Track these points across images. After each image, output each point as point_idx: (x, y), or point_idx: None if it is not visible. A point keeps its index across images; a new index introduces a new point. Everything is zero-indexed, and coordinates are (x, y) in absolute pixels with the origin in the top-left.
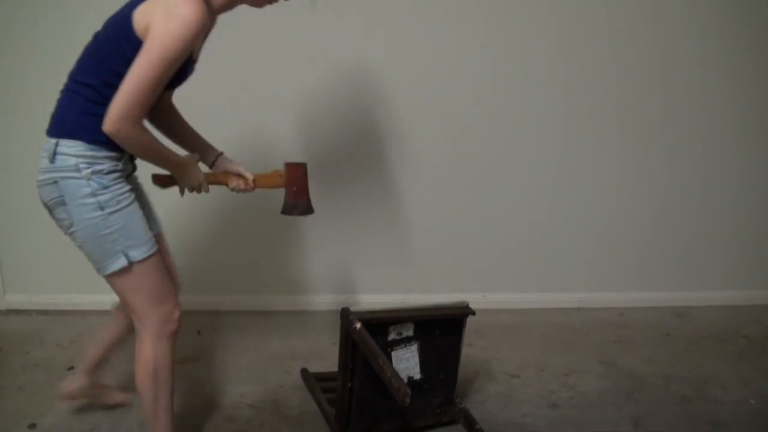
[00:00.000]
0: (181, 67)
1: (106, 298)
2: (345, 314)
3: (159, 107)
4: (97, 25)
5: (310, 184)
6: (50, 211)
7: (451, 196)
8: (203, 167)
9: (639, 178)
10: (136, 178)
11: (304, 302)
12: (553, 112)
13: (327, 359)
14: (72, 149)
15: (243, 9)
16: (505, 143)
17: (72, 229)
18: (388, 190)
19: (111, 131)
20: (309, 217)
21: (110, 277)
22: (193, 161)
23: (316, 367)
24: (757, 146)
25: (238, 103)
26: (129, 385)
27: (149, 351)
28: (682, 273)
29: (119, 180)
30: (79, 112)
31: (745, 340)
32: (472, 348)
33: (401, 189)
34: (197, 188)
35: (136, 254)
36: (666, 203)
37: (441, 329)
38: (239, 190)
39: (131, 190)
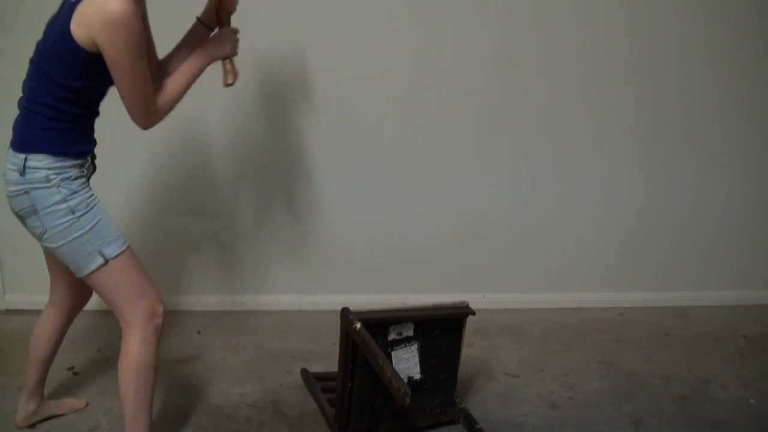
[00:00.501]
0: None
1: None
2: (345, 314)
3: None
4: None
5: None
6: (22, 220)
7: (451, 196)
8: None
9: (639, 178)
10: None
11: (304, 302)
12: (553, 111)
13: (327, 359)
14: (41, 162)
15: None
16: (505, 143)
17: (45, 236)
18: (388, 191)
19: (150, 127)
20: (309, 217)
21: (90, 278)
22: (210, 41)
23: (316, 367)
24: (758, 146)
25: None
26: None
27: (134, 347)
28: (682, 273)
29: (85, 184)
30: (41, 129)
31: (744, 340)
32: (472, 348)
33: (401, 189)
34: (234, 44)
35: (110, 251)
36: (666, 203)
37: (441, 329)
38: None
39: (94, 193)
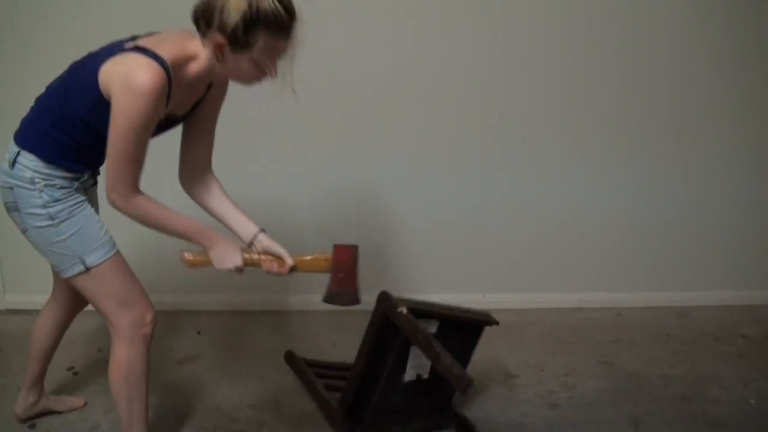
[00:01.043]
0: (161, 124)
1: None
2: (386, 297)
3: (191, 176)
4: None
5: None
6: (8, 212)
7: (451, 197)
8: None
9: (639, 178)
10: (94, 189)
11: (304, 302)
12: (553, 113)
13: (327, 359)
14: (31, 163)
15: None
16: (505, 144)
17: (26, 234)
18: (388, 191)
19: (111, 204)
20: (309, 217)
21: (72, 282)
22: (225, 239)
23: None
24: (758, 146)
25: None
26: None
27: (122, 355)
28: (681, 273)
29: (71, 192)
30: (42, 132)
31: (744, 340)
32: None
33: (401, 189)
34: (234, 270)
35: (93, 259)
36: (666, 204)
37: (461, 333)
38: (272, 274)
39: (85, 199)
